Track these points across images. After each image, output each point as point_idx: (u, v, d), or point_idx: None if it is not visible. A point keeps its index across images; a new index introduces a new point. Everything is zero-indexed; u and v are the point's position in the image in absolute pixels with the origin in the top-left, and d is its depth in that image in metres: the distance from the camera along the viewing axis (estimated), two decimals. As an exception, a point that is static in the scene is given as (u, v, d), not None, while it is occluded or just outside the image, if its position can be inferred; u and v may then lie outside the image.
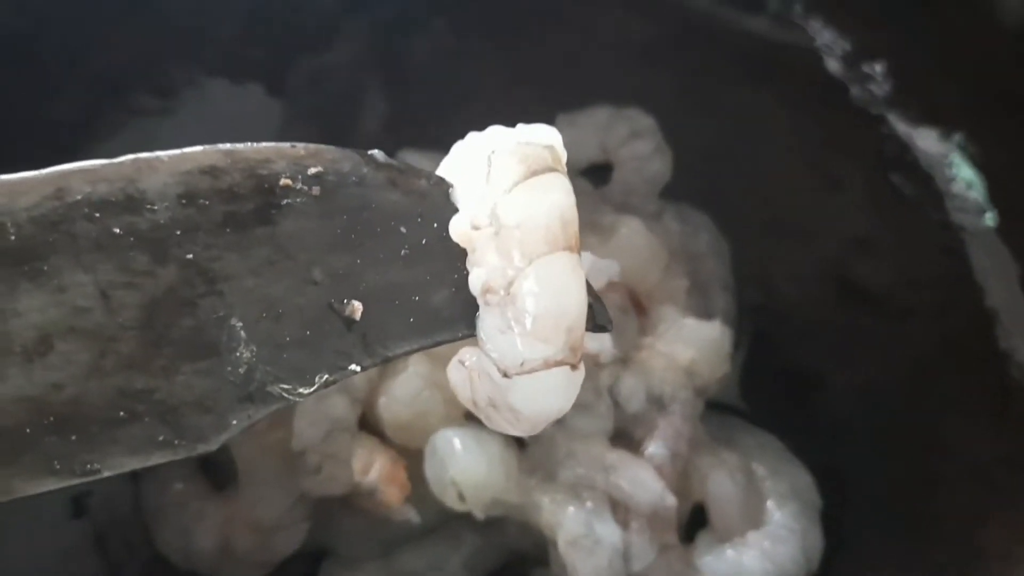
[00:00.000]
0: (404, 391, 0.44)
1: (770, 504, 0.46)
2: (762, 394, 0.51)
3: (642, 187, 0.54)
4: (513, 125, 0.54)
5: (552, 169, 0.30)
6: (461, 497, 0.42)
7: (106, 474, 0.25)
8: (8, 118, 0.47)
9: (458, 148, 0.31)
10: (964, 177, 0.50)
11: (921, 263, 0.50)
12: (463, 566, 0.46)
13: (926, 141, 0.51)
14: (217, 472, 0.46)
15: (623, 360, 0.46)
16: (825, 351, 0.52)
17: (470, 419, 0.44)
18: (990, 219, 0.49)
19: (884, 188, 0.52)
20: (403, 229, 0.29)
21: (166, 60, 0.52)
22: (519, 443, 0.45)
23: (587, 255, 0.44)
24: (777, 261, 0.53)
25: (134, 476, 0.46)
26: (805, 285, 0.53)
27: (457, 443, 0.42)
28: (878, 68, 0.52)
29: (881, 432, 0.49)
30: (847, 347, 0.51)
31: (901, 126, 0.52)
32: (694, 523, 0.47)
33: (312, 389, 0.27)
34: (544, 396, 0.29)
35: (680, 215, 0.53)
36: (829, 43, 0.53)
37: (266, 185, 0.28)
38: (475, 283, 0.30)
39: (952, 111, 0.51)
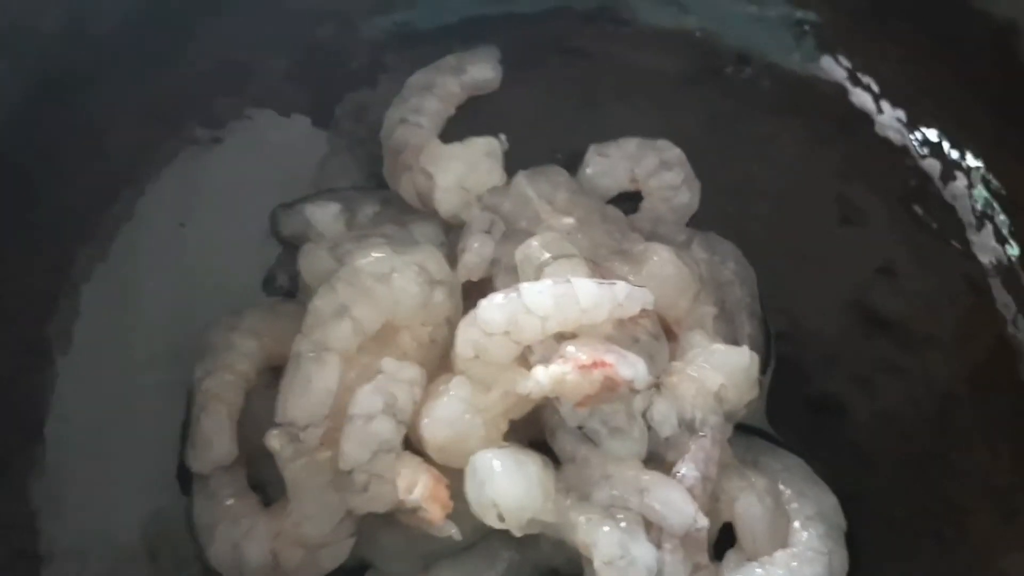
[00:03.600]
0: (446, 413, 0.44)
1: (796, 525, 0.47)
2: (788, 418, 0.52)
3: (671, 216, 0.56)
4: (547, 155, 0.56)
5: None
6: (500, 517, 0.43)
7: None
8: (69, 147, 0.49)
9: None
10: (985, 207, 0.51)
11: (943, 293, 0.52)
12: (500, 581, 0.48)
13: (948, 172, 0.52)
14: (267, 490, 0.48)
15: (656, 385, 0.47)
16: (849, 377, 0.53)
17: (509, 441, 0.46)
18: (1012, 250, 0.50)
19: (907, 218, 0.53)
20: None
21: (216, 94, 0.54)
22: (555, 464, 0.46)
23: (622, 283, 0.45)
24: (802, 289, 0.54)
25: (187, 492, 0.48)
26: (829, 313, 0.54)
27: (497, 465, 0.43)
28: (902, 101, 0.54)
29: (903, 457, 0.51)
30: (870, 374, 0.52)
31: (924, 157, 0.53)
32: (722, 542, 0.48)
33: None
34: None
35: (707, 244, 0.54)
36: (853, 76, 0.55)
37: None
38: None
39: (975, 142, 0.52)
